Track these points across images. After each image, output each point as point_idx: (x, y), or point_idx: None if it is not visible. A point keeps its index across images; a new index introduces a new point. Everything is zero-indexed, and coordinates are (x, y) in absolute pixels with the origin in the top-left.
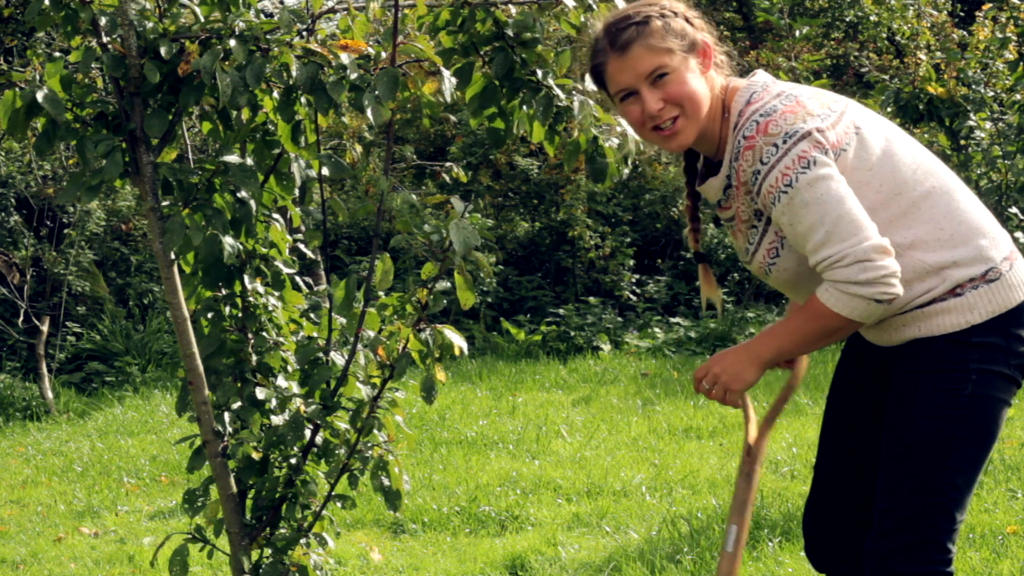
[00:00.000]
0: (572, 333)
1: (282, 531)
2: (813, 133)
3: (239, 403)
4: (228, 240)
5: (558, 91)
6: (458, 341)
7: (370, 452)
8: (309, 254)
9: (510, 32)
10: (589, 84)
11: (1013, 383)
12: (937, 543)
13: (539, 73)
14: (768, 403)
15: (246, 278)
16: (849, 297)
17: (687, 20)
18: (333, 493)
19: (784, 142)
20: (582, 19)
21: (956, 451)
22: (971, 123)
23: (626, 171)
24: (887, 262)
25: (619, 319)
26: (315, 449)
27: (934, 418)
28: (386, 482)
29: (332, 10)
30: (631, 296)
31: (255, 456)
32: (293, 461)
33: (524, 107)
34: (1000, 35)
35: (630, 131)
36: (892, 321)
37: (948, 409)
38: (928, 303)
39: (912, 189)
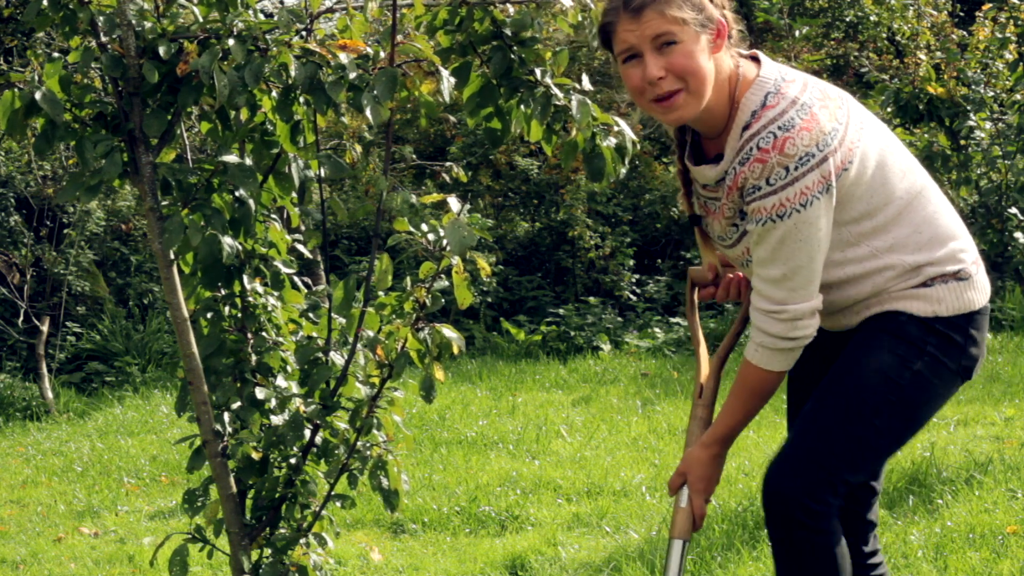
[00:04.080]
0: (572, 333)
1: (282, 531)
2: (824, 163)
3: (239, 403)
4: (227, 240)
5: (556, 90)
6: (456, 340)
7: (369, 452)
8: (307, 254)
9: (508, 31)
10: (586, 83)
11: (956, 381)
12: (830, 484)
13: (537, 72)
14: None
15: (245, 278)
16: (776, 352)
17: None
18: (333, 493)
19: (796, 168)
20: (579, 18)
21: (886, 415)
22: (971, 123)
23: (623, 170)
24: (814, 322)
25: (619, 319)
26: (315, 449)
27: (880, 375)
28: (385, 482)
29: (331, 10)
30: (631, 296)
31: (255, 456)
32: (293, 461)
33: (522, 106)
34: (1000, 35)
35: (628, 131)
36: (859, 306)
37: (895, 374)
38: (900, 290)
39: (899, 199)
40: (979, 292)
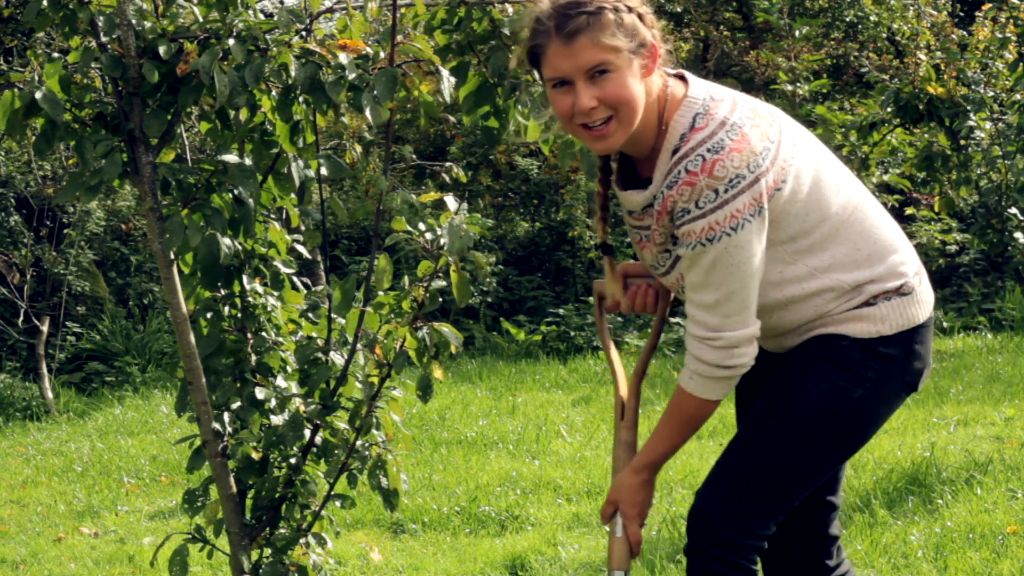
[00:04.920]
0: (572, 333)
1: (282, 531)
2: (755, 185)
3: (239, 403)
4: (225, 241)
5: None
6: (453, 339)
7: (368, 452)
8: (307, 254)
9: (506, 31)
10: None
11: (900, 396)
12: (762, 519)
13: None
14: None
15: (245, 278)
16: (711, 381)
17: (640, 17)
18: (332, 493)
19: (726, 190)
20: None
21: (820, 445)
22: (971, 123)
23: None
24: (751, 349)
25: (619, 319)
26: (314, 449)
27: (815, 405)
28: (384, 482)
29: (330, 10)
30: None
31: (255, 456)
32: (293, 461)
33: (519, 106)
34: (1000, 35)
35: None
36: (801, 328)
37: (832, 403)
38: (843, 311)
39: (835, 215)
40: (922, 306)
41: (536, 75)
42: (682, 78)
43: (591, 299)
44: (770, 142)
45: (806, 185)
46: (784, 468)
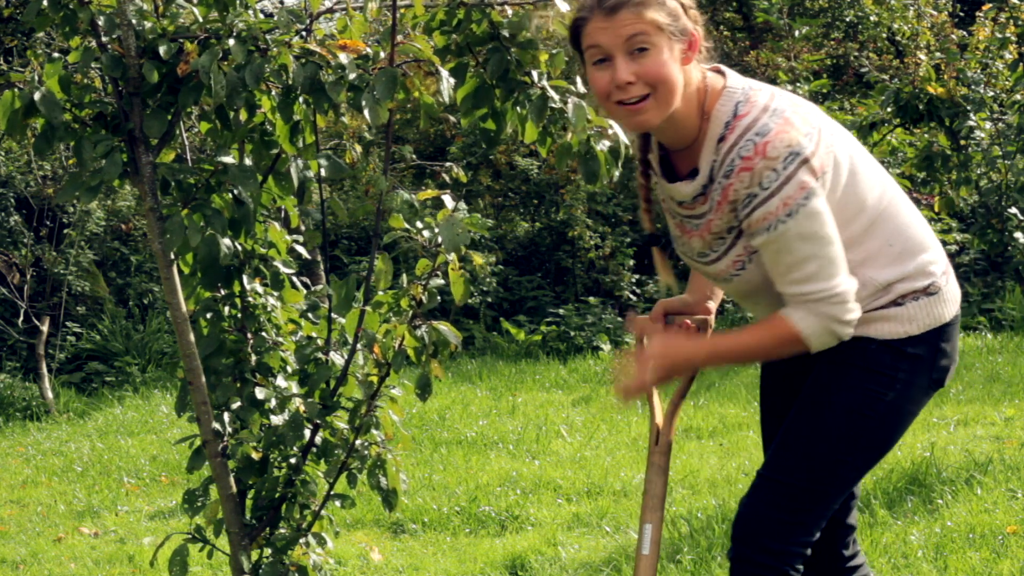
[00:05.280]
0: (572, 333)
1: (282, 531)
2: (810, 159)
3: (239, 403)
4: (224, 241)
5: (552, 93)
6: (452, 338)
7: (367, 451)
8: (307, 254)
9: (505, 33)
10: (580, 87)
11: (928, 393)
12: (805, 527)
13: (534, 74)
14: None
15: (245, 278)
16: (825, 331)
17: (683, 6)
18: (332, 493)
19: (784, 167)
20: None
21: (858, 450)
22: (971, 123)
23: (616, 173)
24: (856, 307)
25: (619, 319)
26: (314, 449)
27: (850, 413)
28: (383, 481)
29: (330, 10)
30: (631, 296)
31: (255, 456)
32: (293, 461)
33: (517, 108)
34: (1000, 35)
35: (621, 134)
36: None
37: (866, 409)
38: (870, 311)
39: (871, 208)
40: (949, 305)
41: (577, 57)
42: (719, 71)
43: (591, 299)
44: (812, 127)
45: (844, 176)
46: (824, 475)
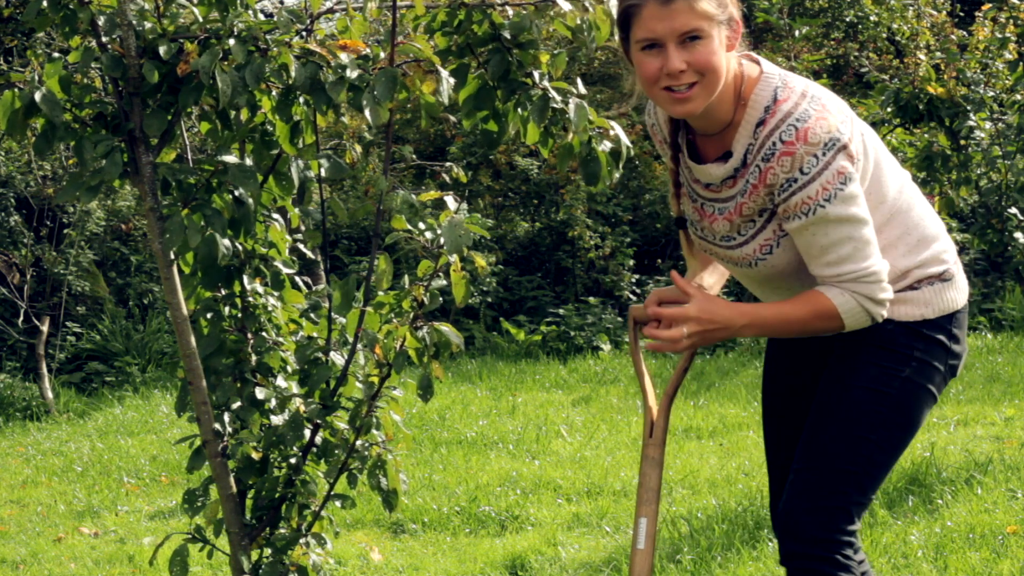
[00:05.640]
0: (572, 333)
1: (282, 531)
2: (848, 145)
3: (239, 403)
4: (224, 241)
5: (554, 94)
6: (454, 338)
7: (368, 452)
8: (308, 254)
9: (506, 34)
10: (580, 87)
11: (944, 379)
12: (845, 511)
13: (535, 75)
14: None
15: (245, 278)
16: (861, 310)
17: None
18: (332, 493)
19: (824, 153)
20: (578, 21)
21: (881, 428)
22: (971, 123)
23: (617, 174)
24: (890, 288)
25: (619, 319)
26: (314, 449)
27: (868, 390)
28: (383, 482)
29: (331, 10)
30: (631, 296)
31: (255, 456)
32: (293, 461)
33: (519, 109)
34: (1000, 35)
35: (622, 135)
36: None
37: (883, 386)
38: None
39: (892, 199)
40: (960, 291)
41: (618, 38)
42: (753, 60)
43: (591, 299)
44: (845, 115)
45: (871, 165)
46: (852, 456)
